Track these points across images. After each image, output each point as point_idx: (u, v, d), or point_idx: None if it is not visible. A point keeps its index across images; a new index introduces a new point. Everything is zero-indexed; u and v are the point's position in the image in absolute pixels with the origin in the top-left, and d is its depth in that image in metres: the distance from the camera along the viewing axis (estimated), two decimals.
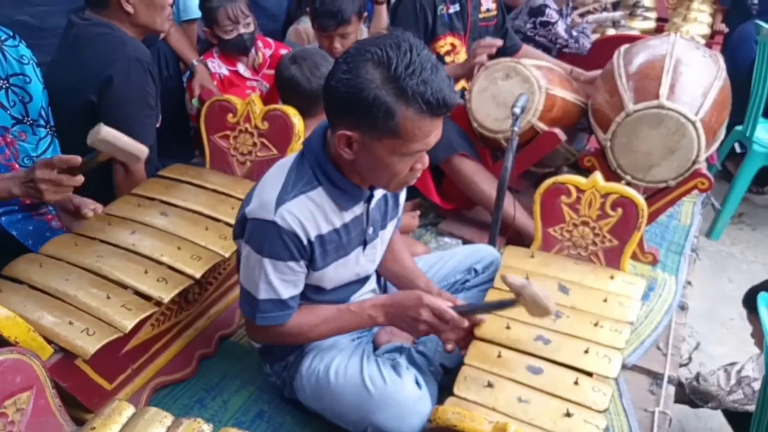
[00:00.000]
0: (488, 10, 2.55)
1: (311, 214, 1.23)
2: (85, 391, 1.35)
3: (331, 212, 1.25)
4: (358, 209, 1.31)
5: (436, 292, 1.46)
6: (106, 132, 1.39)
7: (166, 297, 1.37)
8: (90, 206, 1.61)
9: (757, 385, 1.76)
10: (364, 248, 1.37)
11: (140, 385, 1.48)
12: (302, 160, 1.26)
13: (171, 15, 1.86)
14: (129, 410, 1.12)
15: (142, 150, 1.47)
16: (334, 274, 1.33)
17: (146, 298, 1.38)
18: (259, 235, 1.22)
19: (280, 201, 1.20)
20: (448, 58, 2.39)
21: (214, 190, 1.70)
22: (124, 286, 1.39)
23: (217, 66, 2.32)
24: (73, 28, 1.77)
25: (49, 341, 1.25)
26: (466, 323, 1.32)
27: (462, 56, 2.43)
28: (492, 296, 1.51)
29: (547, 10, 2.93)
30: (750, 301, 1.85)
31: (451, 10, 2.34)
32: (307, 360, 1.40)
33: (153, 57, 1.91)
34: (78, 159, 1.38)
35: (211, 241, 1.53)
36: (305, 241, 1.23)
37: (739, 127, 3.06)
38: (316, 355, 1.40)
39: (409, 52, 1.07)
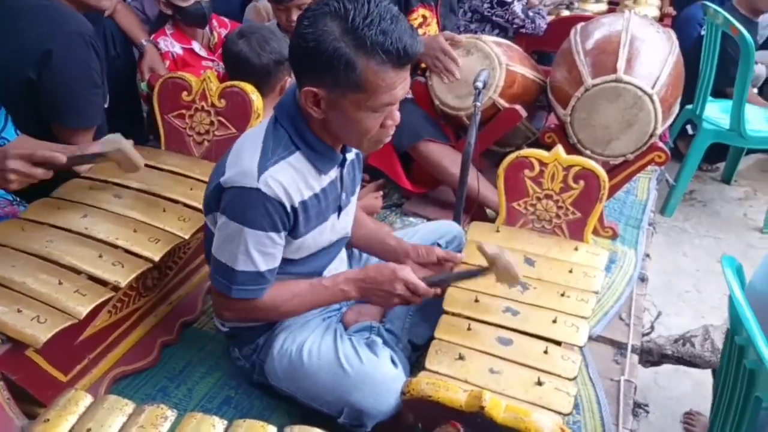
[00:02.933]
0: None
1: (293, 179, 1.20)
2: (38, 384, 1.28)
3: (310, 177, 1.24)
4: (333, 173, 1.30)
5: (410, 247, 1.47)
6: (125, 145, 1.43)
7: (123, 281, 1.31)
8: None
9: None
10: (339, 214, 1.35)
11: (98, 376, 1.41)
12: (276, 125, 1.23)
13: None
14: (86, 399, 1.05)
15: (141, 163, 1.48)
16: (312, 242, 1.31)
17: (102, 283, 1.31)
18: (240, 204, 1.18)
19: (262, 167, 1.17)
20: (420, 30, 2.37)
21: (171, 171, 1.63)
22: (77, 272, 1.32)
23: (170, 44, 2.22)
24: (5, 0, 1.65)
25: None
26: (435, 292, 1.33)
27: (433, 27, 2.42)
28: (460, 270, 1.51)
29: None
30: None
31: None
32: (278, 341, 1.36)
33: (98, 35, 1.81)
34: (62, 159, 1.32)
35: (169, 223, 1.47)
36: (289, 209, 1.20)
37: (689, 106, 3.16)
38: (287, 336, 1.36)
39: (366, 3, 1.07)
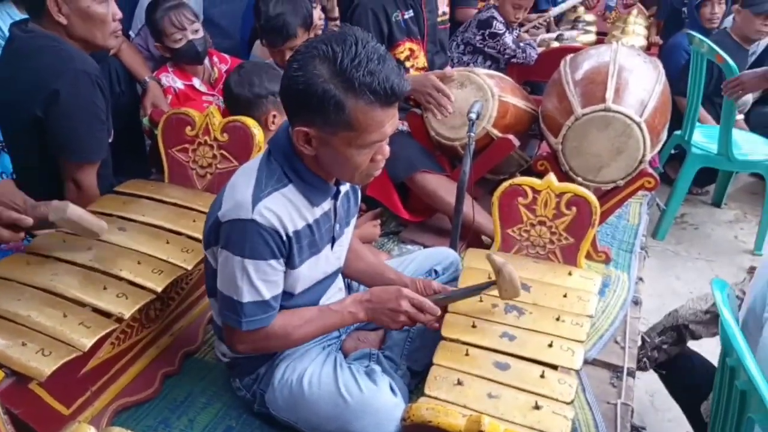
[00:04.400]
0: (444, 13, 2.64)
1: (286, 209, 1.24)
2: (41, 418, 1.28)
3: (303, 208, 1.27)
4: (326, 205, 1.32)
5: (409, 280, 1.49)
6: (72, 212, 1.38)
7: (127, 312, 1.33)
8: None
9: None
10: (333, 245, 1.38)
11: (100, 408, 1.42)
12: (269, 159, 1.26)
13: (118, 31, 1.82)
14: None
15: (102, 227, 1.45)
16: (307, 272, 1.33)
17: (106, 315, 1.33)
18: (239, 236, 1.21)
19: (256, 199, 1.20)
20: (408, 63, 2.44)
21: (175, 204, 1.67)
22: (82, 304, 1.34)
23: (172, 80, 2.28)
24: (14, 41, 1.71)
25: (0, 365, 1.19)
26: (439, 311, 1.37)
27: (421, 60, 2.49)
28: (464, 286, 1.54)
29: (495, 23, 3.04)
30: None
31: (406, 16, 2.40)
32: (278, 371, 1.38)
33: (104, 73, 1.87)
34: (28, 221, 1.34)
35: (172, 254, 1.50)
36: (284, 237, 1.23)
37: (677, 132, 3.23)
38: (288, 366, 1.38)
39: (354, 45, 1.10)
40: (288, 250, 1.26)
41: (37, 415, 1.27)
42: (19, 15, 1.99)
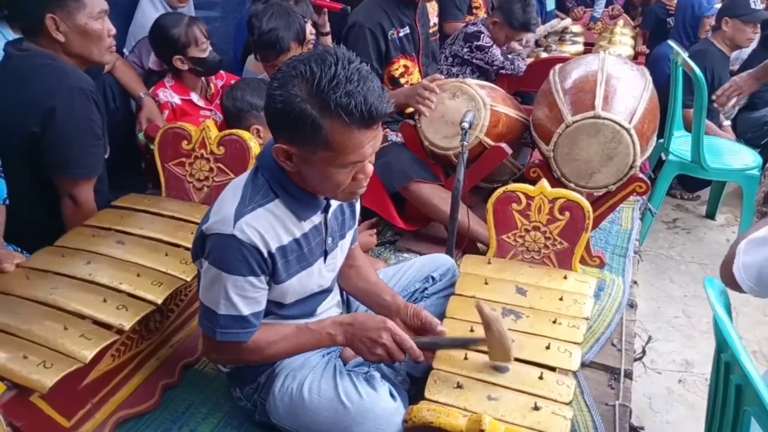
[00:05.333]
0: (435, 24, 2.67)
1: (270, 225, 1.24)
2: (42, 430, 1.29)
3: (290, 223, 1.27)
4: (317, 219, 1.33)
5: (402, 304, 1.48)
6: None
7: (128, 324, 1.34)
8: (12, 260, 1.51)
9: None
10: (325, 259, 1.38)
11: (101, 420, 1.42)
12: (257, 174, 1.27)
13: (112, 47, 1.85)
14: None
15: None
16: (298, 286, 1.34)
17: (106, 327, 1.34)
18: (219, 250, 1.22)
19: (239, 215, 1.21)
20: (402, 80, 2.47)
21: (172, 217, 1.68)
22: (82, 317, 1.35)
23: (169, 95, 2.30)
24: (10, 60, 1.73)
25: (1, 378, 1.19)
26: (421, 356, 1.30)
27: (416, 76, 2.52)
28: (453, 303, 1.56)
29: (482, 36, 3.09)
30: None
31: (401, 33, 2.42)
32: (279, 380, 1.38)
33: (98, 89, 1.89)
34: (11, 268, 1.44)
35: (171, 266, 1.51)
36: (266, 254, 1.23)
37: (661, 140, 3.29)
38: (288, 375, 1.38)
39: (334, 66, 1.09)
40: (271, 267, 1.26)
41: (38, 427, 1.27)
42: (13, 35, 2.01)
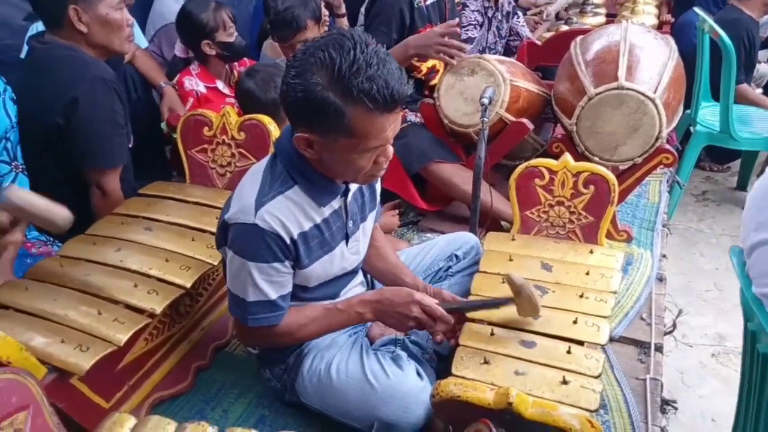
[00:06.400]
0: None
1: (291, 212, 1.24)
2: (83, 411, 1.33)
3: (309, 209, 1.27)
4: (336, 203, 1.33)
5: (422, 286, 1.49)
6: (15, 196, 1.23)
7: (159, 308, 1.37)
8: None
9: None
10: (347, 242, 1.39)
11: (138, 402, 1.46)
12: (275, 161, 1.28)
13: (131, 36, 1.87)
14: (130, 421, 1.09)
15: (64, 218, 1.30)
16: (321, 270, 1.35)
17: (138, 311, 1.37)
18: (242, 239, 1.24)
19: (259, 203, 1.22)
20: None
21: (197, 203, 1.71)
22: (115, 302, 1.38)
23: (195, 83, 2.32)
24: (34, 53, 1.77)
25: (42, 362, 1.23)
26: (452, 320, 1.33)
27: None
28: (478, 280, 1.55)
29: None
30: None
31: (428, 2, 2.35)
32: (307, 361, 1.41)
33: (119, 80, 1.92)
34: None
35: (198, 251, 1.54)
36: (288, 241, 1.24)
37: (688, 111, 3.20)
38: (316, 355, 1.41)
39: (352, 50, 1.08)
40: (294, 252, 1.27)
41: (79, 408, 1.32)
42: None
